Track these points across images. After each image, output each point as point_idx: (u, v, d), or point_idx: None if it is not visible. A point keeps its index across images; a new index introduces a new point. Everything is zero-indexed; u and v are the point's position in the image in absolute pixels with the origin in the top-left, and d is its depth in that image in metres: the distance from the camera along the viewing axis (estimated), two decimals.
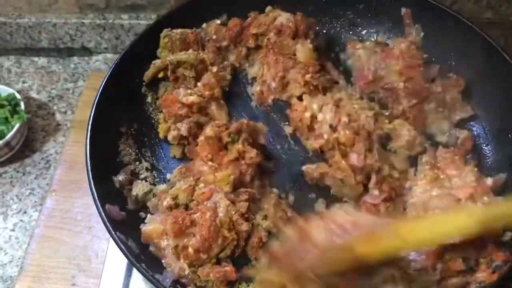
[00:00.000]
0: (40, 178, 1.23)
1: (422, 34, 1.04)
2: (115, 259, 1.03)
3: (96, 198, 0.78)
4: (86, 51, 1.47)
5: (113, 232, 0.75)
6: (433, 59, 1.05)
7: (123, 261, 1.02)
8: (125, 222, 0.81)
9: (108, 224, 0.75)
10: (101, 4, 1.37)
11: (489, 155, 0.97)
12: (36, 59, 1.47)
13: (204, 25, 1.13)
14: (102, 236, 1.10)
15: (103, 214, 0.76)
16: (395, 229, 0.68)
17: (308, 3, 1.14)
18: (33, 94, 1.38)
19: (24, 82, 1.41)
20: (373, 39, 1.09)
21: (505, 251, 0.77)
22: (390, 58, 1.02)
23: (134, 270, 1.00)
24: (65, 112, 1.35)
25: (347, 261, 0.68)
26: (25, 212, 1.17)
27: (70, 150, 1.24)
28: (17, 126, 1.19)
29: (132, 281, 0.99)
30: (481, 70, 0.98)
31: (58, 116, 1.34)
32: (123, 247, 0.73)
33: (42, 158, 1.26)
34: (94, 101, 0.93)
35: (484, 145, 0.99)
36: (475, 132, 1.00)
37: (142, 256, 0.77)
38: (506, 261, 0.74)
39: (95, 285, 1.03)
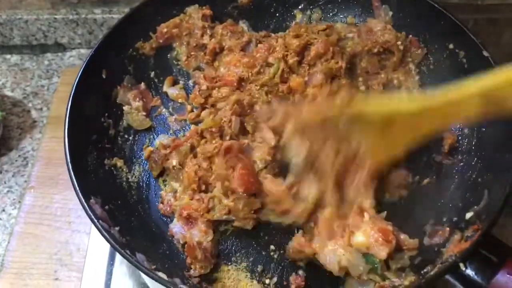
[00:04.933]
0: (18, 176, 1.22)
1: (390, 13, 1.06)
2: (96, 252, 1.04)
3: (79, 191, 0.79)
4: (59, 47, 1.46)
5: (96, 221, 0.75)
6: None
7: (105, 253, 1.03)
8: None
9: (91, 213, 0.76)
10: None
11: None
12: (8, 56, 1.45)
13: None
14: (82, 230, 1.10)
15: (85, 205, 0.77)
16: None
17: None
18: (7, 92, 1.37)
19: None
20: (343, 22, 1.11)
21: (476, 223, 0.80)
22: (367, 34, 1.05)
23: (116, 261, 1.01)
24: (41, 109, 1.34)
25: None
26: (3, 210, 1.16)
27: (47, 146, 1.24)
28: None
29: (115, 270, 1.00)
30: (448, 50, 1.01)
31: (34, 113, 1.33)
32: (107, 235, 0.74)
33: (19, 156, 1.25)
34: (70, 95, 0.93)
35: None
36: None
37: (125, 243, 0.78)
38: (477, 229, 0.77)
39: (78, 279, 1.03)
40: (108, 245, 1.00)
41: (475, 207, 0.82)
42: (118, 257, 1.02)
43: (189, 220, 0.91)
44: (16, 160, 1.24)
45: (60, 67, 1.43)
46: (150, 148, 1.02)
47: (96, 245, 1.05)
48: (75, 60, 1.45)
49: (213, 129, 0.96)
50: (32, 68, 1.43)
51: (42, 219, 1.13)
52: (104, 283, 0.99)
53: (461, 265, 0.72)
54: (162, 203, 0.97)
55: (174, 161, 0.98)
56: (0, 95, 1.33)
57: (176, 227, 0.92)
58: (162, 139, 1.04)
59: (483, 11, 1.27)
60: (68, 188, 1.16)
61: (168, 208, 0.96)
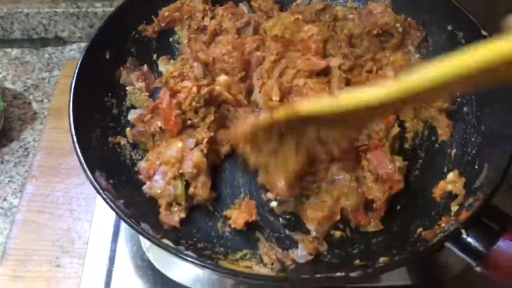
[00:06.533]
0: (19, 166, 1.22)
1: None
2: (98, 239, 1.05)
3: (84, 164, 0.79)
4: (60, 41, 1.47)
5: (101, 191, 0.76)
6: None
7: (107, 239, 1.04)
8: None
9: (96, 184, 0.77)
10: None
11: None
12: (9, 50, 1.46)
13: None
14: (83, 218, 1.11)
15: (91, 177, 0.77)
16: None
17: None
18: (8, 85, 1.38)
19: None
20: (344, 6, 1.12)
21: (475, 194, 0.80)
22: (366, 16, 1.06)
23: (118, 244, 1.02)
24: (42, 101, 1.34)
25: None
26: (4, 200, 1.16)
27: (49, 136, 1.25)
28: None
29: (118, 247, 1.01)
30: (446, 31, 1.02)
31: (35, 105, 1.33)
32: (112, 204, 0.74)
33: (20, 146, 1.25)
34: (74, 72, 0.93)
35: None
36: None
37: (130, 214, 0.78)
38: (477, 199, 0.77)
39: (79, 265, 1.03)
40: (112, 220, 1.03)
41: (476, 180, 0.83)
42: (121, 234, 1.03)
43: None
44: (17, 151, 1.25)
45: (60, 61, 1.44)
46: (128, 129, 0.99)
47: (100, 219, 1.07)
48: (75, 53, 1.46)
49: (175, 74, 0.98)
50: (33, 62, 1.44)
51: (43, 207, 1.13)
52: (108, 259, 1.00)
53: (463, 231, 0.73)
54: (139, 173, 0.94)
55: (158, 122, 0.95)
56: (1, 88, 1.33)
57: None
58: (133, 115, 1.01)
59: None
60: (70, 177, 1.18)
61: (145, 174, 0.92)
